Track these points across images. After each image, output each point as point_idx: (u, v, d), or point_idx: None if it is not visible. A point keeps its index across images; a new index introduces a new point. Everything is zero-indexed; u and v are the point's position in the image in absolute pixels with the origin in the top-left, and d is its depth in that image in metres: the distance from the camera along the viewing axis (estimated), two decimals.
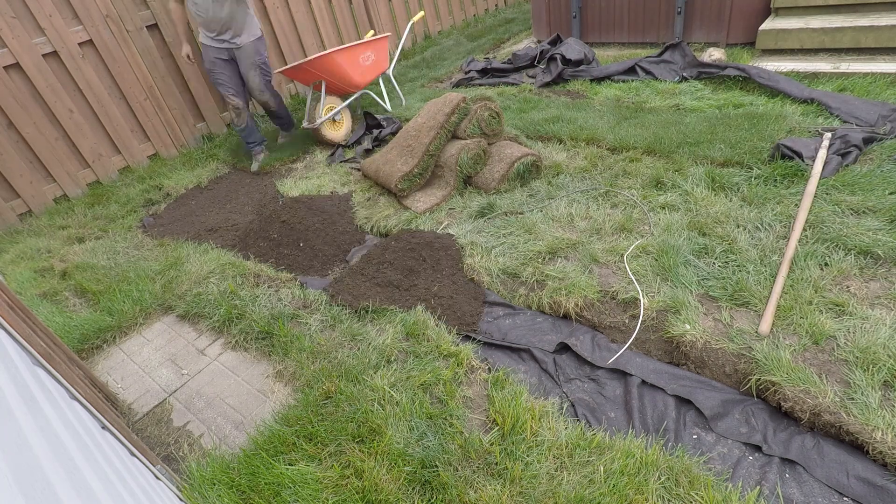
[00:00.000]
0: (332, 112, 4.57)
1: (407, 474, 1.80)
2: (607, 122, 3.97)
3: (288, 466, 1.88)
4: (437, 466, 1.80)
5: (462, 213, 3.29)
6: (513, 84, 5.23)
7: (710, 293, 2.34)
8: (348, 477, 1.82)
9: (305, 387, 2.24)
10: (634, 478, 1.69)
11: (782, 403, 1.88)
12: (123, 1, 4.47)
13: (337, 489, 1.79)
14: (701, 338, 2.14)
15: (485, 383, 2.14)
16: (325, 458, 1.92)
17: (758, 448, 1.81)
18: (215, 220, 3.82)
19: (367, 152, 4.41)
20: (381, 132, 4.53)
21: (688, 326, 2.18)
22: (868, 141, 3.02)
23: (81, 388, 1.69)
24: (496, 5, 8.25)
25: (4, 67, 4.01)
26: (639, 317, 2.32)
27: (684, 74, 4.45)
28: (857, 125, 3.22)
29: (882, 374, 1.84)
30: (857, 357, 1.92)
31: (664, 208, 2.94)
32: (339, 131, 4.74)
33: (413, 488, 1.77)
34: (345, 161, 4.35)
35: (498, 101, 3.82)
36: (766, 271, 2.36)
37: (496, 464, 1.80)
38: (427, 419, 1.98)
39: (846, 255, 2.37)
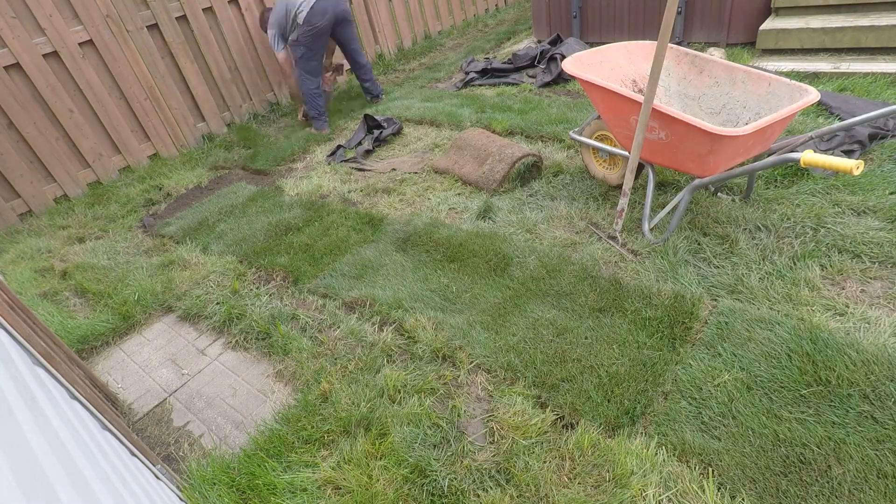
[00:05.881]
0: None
1: (404, 476, 1.80)
2: None
3: (288, 466, 1.88)
4: (435, 470, 1.80)
5: (463, 214, 3.29)
6: (513, 84, 5.23)
7: (710, 293, 2.34)
8: (349, 477, 1.82)
9: (305, 387, 2.24)
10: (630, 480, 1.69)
11: None
12: (124, 1, 4.47)
13: (336, 490, 1.79)
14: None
15: (486, 384, 2.14)
16: (325, 458, 1.92)
17: None
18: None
19: (368, 153, 4.42)
20: (381, 133, 4.53)
21: None
22: (873, 137, 3.01)
23: (82, 388, 1.69)
24: (496, 5, 8.25)
25: (4, 67, 4.01)
26: None
27: None
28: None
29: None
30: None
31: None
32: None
33: (412, 490, 1.77)
34: (345, 161, 4.35)
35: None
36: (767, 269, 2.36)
37: (497, 468, 1.80)
38: (427, 420, 1.98)
39: (846, 255, 2.37)
